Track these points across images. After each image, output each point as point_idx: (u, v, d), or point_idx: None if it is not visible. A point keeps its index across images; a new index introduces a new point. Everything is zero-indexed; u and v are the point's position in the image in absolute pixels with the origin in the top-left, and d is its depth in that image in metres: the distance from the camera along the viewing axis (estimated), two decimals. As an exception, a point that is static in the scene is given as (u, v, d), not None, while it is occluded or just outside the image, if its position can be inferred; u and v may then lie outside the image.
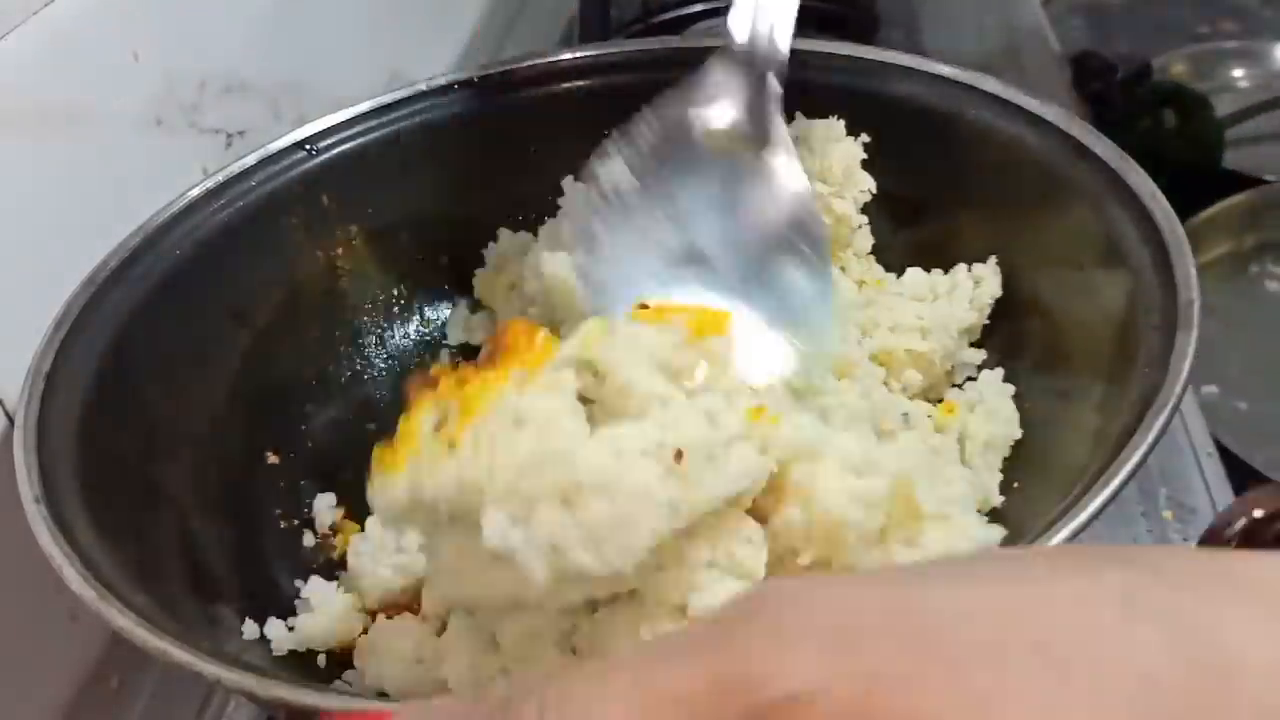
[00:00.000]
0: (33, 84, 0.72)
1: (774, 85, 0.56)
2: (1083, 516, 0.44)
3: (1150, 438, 0.47)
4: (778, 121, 0.55)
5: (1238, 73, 1.35)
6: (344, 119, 0.77)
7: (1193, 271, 0.53)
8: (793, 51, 0.68)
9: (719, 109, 0.56)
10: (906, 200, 0.72)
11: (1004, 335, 0.67)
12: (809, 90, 0.71)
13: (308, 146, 0.74)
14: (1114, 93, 1.20)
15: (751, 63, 0.55)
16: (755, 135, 0.55)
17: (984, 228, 0.69)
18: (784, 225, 0.54)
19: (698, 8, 1.19)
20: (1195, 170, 1.11)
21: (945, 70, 0.69)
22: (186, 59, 0.79)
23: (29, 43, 0.72)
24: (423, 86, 0.78)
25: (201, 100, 0.83)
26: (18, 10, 0.71)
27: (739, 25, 0.56)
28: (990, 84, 0.68)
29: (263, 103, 0.85)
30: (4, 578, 0.56)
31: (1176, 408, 0.48)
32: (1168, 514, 0.73)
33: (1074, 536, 0.44)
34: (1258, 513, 0.45)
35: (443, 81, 0.78)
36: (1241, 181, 1.10)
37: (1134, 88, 1.21)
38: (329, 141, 0.76)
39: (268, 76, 0.85)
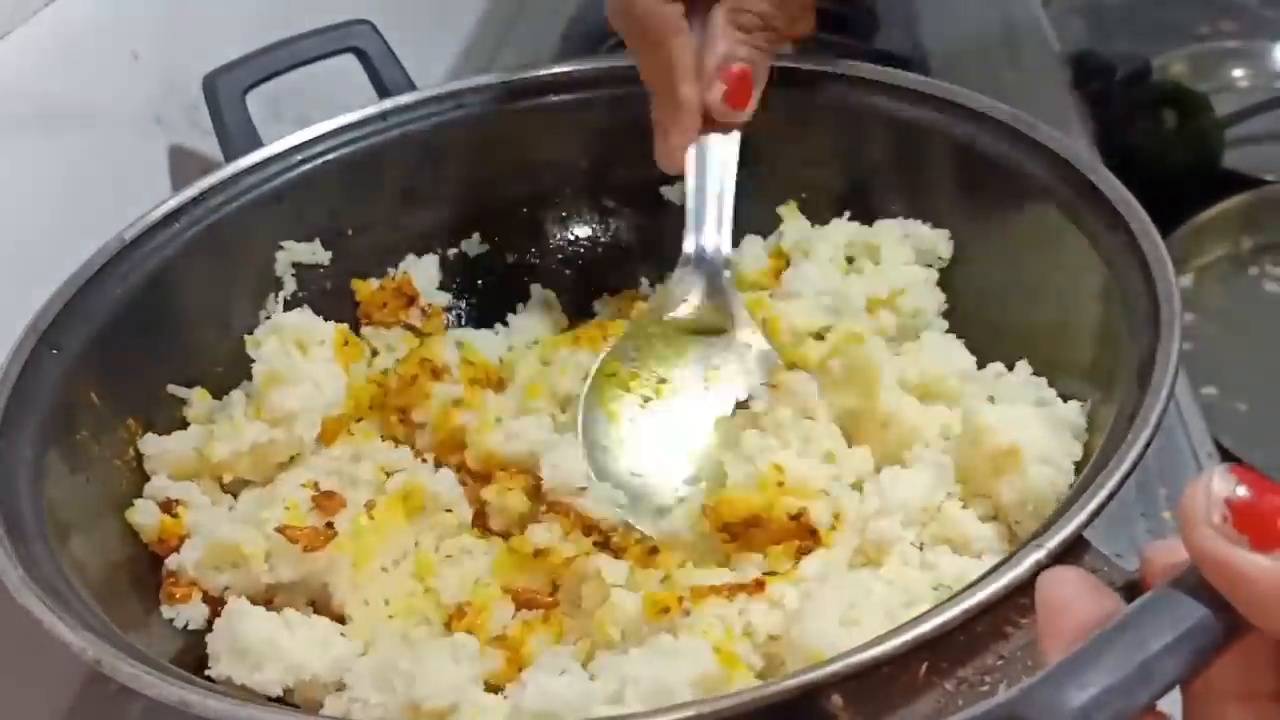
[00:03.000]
0: (33, 84, 0.72)
1: (728, 279, 0.67)
2: (1079, 519, 0.44)
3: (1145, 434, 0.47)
4: (737, 304, 0.67)
5: (1238, 73, 1.35)
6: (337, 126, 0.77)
7: (1174, 288, 0.54)
8: (792, 69, 0.72)
9: (684, 308, 0.67)
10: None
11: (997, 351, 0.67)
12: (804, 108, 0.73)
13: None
14: (1114, 93, 1.20)
15: (704, 265, 0.67)
16: (719, 319, 0.67)
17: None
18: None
19: (698, 8, 1.18)
20: (1195, 170, 1.12)
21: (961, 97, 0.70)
22: (186, 59, 0.79)
23: (29, 43, 0.72)
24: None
25: (201, 100, 0.83)
26: (18, 10, 0.71)
27: (689, 239, 0.67)
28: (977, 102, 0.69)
29: (263, 103, 0.85)
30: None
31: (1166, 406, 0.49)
32: (1167, 514, 0.73)
33: (1075, 535, 0.44)
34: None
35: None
36: (1241, 182, 1.10)
37: (1134, 88, 1.21)
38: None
39: (268, 76, 0.85)
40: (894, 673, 0.41)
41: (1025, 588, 0.42)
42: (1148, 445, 0.47)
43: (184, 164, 0.84)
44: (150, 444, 0.65)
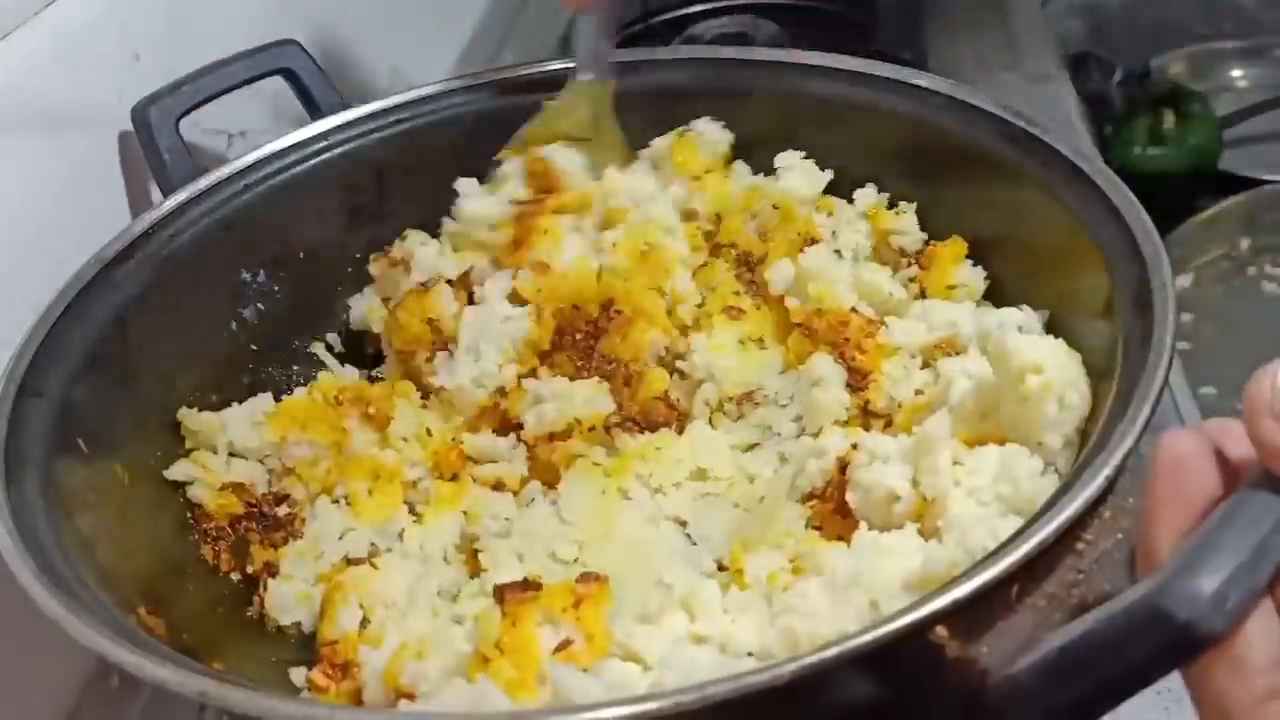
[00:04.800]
0: (34, 84, 0.72)
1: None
2: (1064, 516, 0.45)
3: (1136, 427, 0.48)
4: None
5: (1237, 73, 1.35)
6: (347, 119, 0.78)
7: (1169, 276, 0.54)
8: (778, 64, 0.76)
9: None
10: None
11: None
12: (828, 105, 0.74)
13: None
14: (1114, 93, 1.20)
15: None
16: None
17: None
18: None
19: (697, 8, 1.19)
20: (1194, 170, 1.12)
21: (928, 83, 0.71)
22: (186, 59, 0.79)
23: (29, 43, 0.72)
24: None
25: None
26: (19, 11, 0.71)
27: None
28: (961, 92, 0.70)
29: (263, 103, 0.85)
30: (5, 577, 0.56)
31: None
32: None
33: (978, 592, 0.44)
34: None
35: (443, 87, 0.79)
36: (1240, 182, 1.10)
37: (1133, 88, 1.21)
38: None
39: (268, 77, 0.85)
40: (992, 598, 0.43)
41: (1096, 504, 0.45)
42: (1147, 422, 0.48)
43: (184, 165, 0.84)
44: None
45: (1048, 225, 0.63)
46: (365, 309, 0.77)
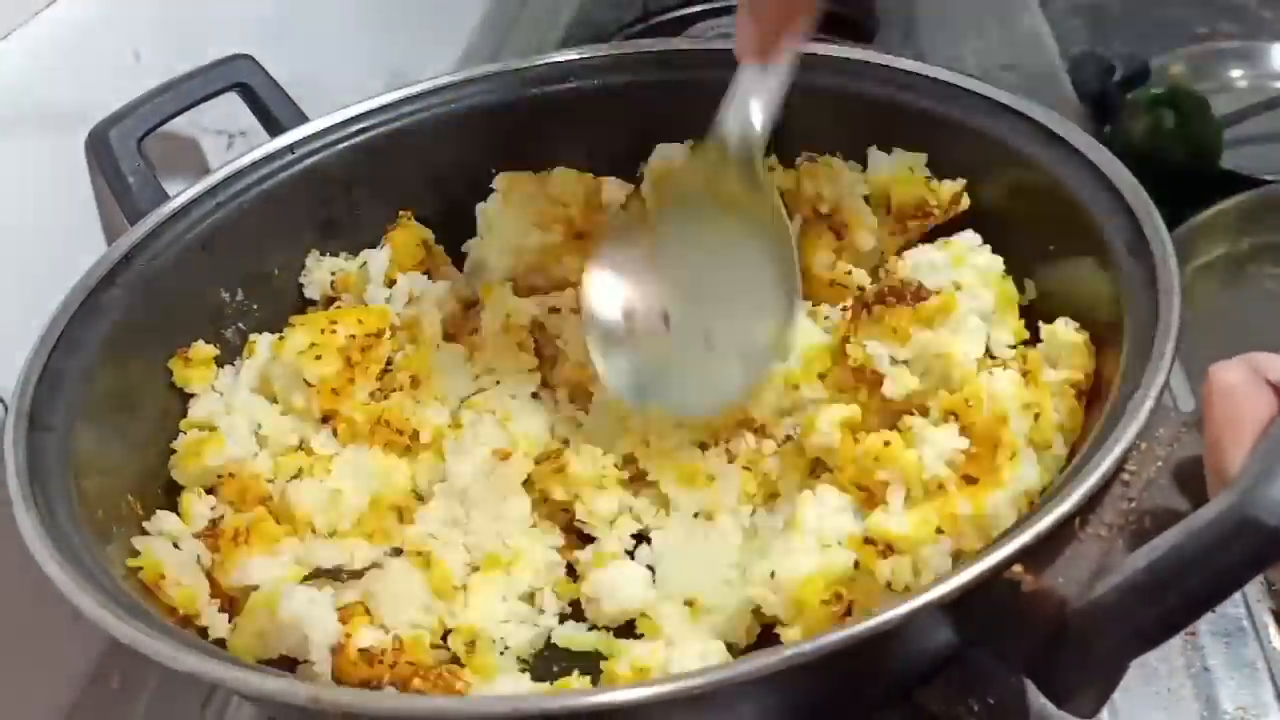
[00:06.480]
0: (34, 84, 0.72)
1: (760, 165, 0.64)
2: (1054, 515, 0.45)
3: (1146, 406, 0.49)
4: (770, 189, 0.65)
5: (1236, 73, 1.35)
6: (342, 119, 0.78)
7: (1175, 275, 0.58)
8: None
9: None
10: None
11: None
12: (808, 92, 0.72)
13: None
14: (1113, 93, 1.20)
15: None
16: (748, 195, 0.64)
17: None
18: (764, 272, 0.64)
19: (698, 8, 1.19)
20: (1193, 171, 1.11)
21: (946, 76, 0.72)
22: (187, 59, 0.79)
23: (31, 43, 0.72)
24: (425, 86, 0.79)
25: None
26: (19, 11, 0.71)
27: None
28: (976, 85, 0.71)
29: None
30: (6, 578, 0.56)
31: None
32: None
33: (1053, 526, 0.45)
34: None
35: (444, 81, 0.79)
36: (1239, 182, 1.10)
37: (1133, 88, 1.21)
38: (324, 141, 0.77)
39: (268, 77, 0.85)
40: (1058, 532, 0.45)
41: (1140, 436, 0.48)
42: (1173, 359, 0.50)
43: (184, 166, 0.84)
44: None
45: (1031, 192, 0.66)
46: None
